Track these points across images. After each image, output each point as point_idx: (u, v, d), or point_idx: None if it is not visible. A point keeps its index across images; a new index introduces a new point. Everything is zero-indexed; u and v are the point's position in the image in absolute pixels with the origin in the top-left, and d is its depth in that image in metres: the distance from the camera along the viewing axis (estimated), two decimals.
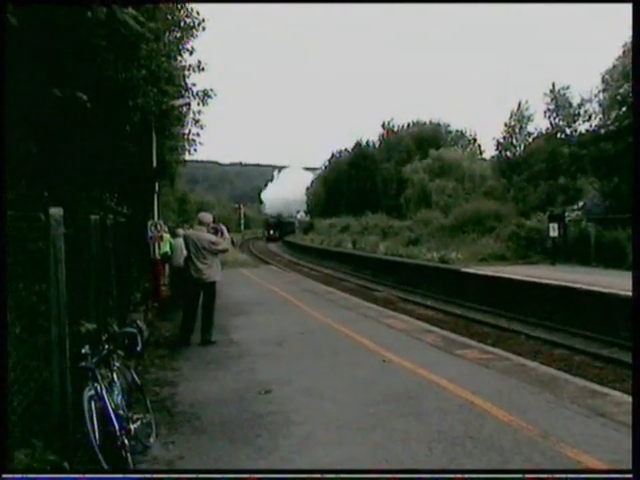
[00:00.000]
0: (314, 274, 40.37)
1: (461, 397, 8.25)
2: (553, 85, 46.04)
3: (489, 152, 65.95)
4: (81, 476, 5.15)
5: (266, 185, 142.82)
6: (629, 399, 8.34)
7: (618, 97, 35.80)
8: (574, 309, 20.34)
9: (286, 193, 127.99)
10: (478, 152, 76.10)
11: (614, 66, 37.21)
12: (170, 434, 7.09)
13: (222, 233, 13.08)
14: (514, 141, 50.82)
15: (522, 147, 50.22)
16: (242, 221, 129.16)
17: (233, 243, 29.49)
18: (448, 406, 7.88)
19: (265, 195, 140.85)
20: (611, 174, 36.40)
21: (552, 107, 46.02)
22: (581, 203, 38.79)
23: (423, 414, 7.60)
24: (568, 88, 45.69)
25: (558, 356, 15.63)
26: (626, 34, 38.24)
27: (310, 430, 7.12)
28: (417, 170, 64.39)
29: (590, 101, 43.21)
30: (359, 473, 5.50)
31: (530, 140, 49.69)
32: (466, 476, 5.16)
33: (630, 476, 4.87)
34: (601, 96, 39.85)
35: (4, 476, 4.76)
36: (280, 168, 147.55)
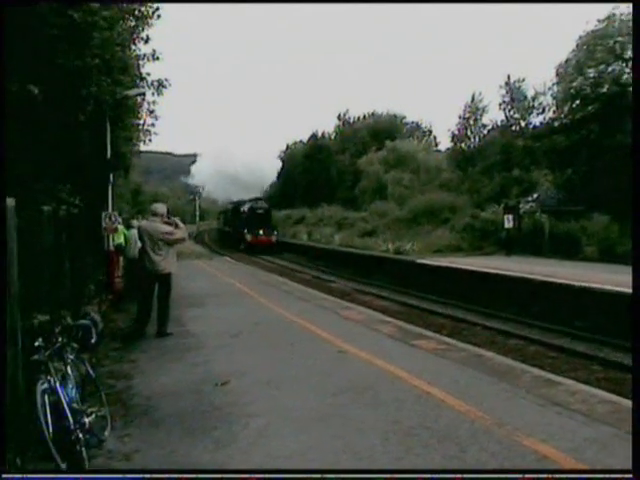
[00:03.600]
0: (270, 266, 40.30)
1: (418, 387, 8.27)
2: (508, 77, 46.50)
3: (445, 144, 66.42)
4: (81, 476, 5.17)
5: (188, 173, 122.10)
6: (583, 387, 8.52)
7: (571, 90, 36.23)
8: (529, 300, 20.55)
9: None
10: (433, 144, 76.54)
11: (567, 59, 37.64)
12: (126, 427, 7.01)
13: (176, 225, 12.94)
14: (469, 133, 51.24)
15: (477, 139, 50.66)
16: (197, 212, 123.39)
17: (190, 235, 29.38)
18: (405, 396, 7.90)
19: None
20: (564, 166, 36.89)
21: (507, 99, 46.46)
22: (535, 195, 39.27)
23: (380, 405, 7.61)
24: (523, 81, 46.19)
25: (513, 346, 15.76)
26: (580, 28, 38.74)
27: (267, 421, 7.09)
28: (372, 162, 64.42)
29: (544, 94, 43.73)
30: (359, 473, 5.50)
31: (485, 132, 50.16)
32: (465, 476, 5.17)
33: (630, 476, 4.92)
34: (555, 89, 40.32)
35: (4, 476, 4.76)
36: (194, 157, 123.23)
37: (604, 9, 36.05)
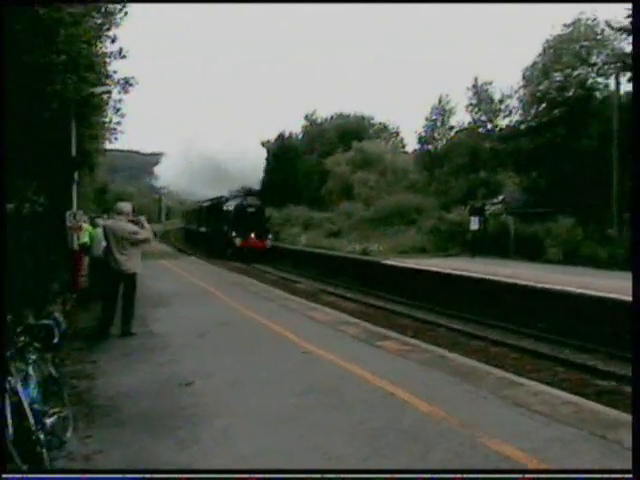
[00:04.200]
0: (235, 265, 40.06)
1: (383, 388, 8.29)
2: (476, 80, 46.85)
3: (412, 145, 66.70)
4: (81, 476, 5.21)
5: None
6: (545, 388, 8.60)
7: (538, 94, 36.66)
8: (493, 301, 20.68)
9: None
10: (401, 145, 76.84)
11: (534, 63, 38.06)
12: (88, 428, 6.93)
13: (142, 225, 12.86)
14: (436, 135, 51.52)
15: (444, 141, 50.98)
16: (163, 212, 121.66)
17: (155, 235, 29.03)
18: (370, 397, 7.91)
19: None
20: (530, 169, 37.27)
21: (474, 102, 46.82)
22: (501, 197, 39.60)
23: (345, 405, 7.62)
24: (491, 83, 46.58)
25: (476, 347, 15.85)
26: (547, 32, 39.27)
27: (232, 422, 7.06)
28: (339, 162, 64.55)
29: (511, 97, 44.14)
30: (359, 473, 5.52)
31: (452, 134, 50.48)
32: (465, 476, 5.18)
33: (630, 476, 4.95)
34: (521, 92, 40.73)
35: (4, 476, 4.75)
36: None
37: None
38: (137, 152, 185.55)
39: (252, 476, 5.19)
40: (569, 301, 17.94)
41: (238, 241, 45.04)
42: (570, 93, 35.16)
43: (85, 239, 19.41)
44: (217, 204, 52.83)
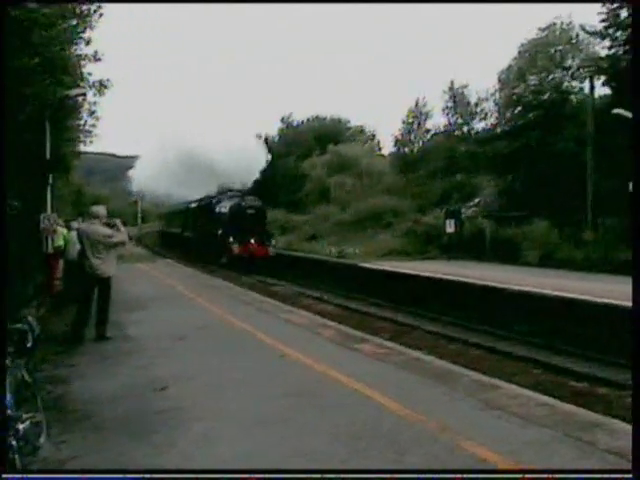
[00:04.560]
0: (212, 268, 39.77)
1: (359, 392, 8.28)
2: (452, 83, 47.16)
3: (388, 148, 66.89)
4: (81, 476, 5.22)
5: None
6: (522, 391, 8.58)
7: (513, 97, 36.88)
8: (471, 304, 20.72)
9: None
10: (377, 148, 76.97)
11: (510, 66, 38.33)
12: (62, 433, 6.86)
13: (117, 228, 12.79)
14: (412, 138, 51.72)
15: (420, 144, 51.20)
16: (139, 214, 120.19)
17: (131, 238, 28.67)
18: (347, 401, 7.90)
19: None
20: (505, 172, 37.45)
21: (450, 105, 47.10)
22: (477, 200, 39.75)
23: (322, 409, 7.60)
24: (466, 86, 46.90)
25: (454, 350, 15.85)
26: (522, 36, 39.70)
27: (211, 425, 7.04)
28: (316, 165, 64.50)
29: (487, 100, 44.45)
30: (359, 473, 5.52)
31: (428, 137, 50.73)
32: (465, 476, 5.17)
33: (630, 476, 4.96)
34: (497, 95, 41.02)
35: (4, 476, 4.74)
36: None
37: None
38: (113, 155, 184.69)
39: (252, 476, 5.17)
40: (545, 303, 18.02)
41: (236, 248, 38.46)
42: (545, 96, 35.46)
43: (60, 242, 19.30)
44: (207, 205, 45.74)
